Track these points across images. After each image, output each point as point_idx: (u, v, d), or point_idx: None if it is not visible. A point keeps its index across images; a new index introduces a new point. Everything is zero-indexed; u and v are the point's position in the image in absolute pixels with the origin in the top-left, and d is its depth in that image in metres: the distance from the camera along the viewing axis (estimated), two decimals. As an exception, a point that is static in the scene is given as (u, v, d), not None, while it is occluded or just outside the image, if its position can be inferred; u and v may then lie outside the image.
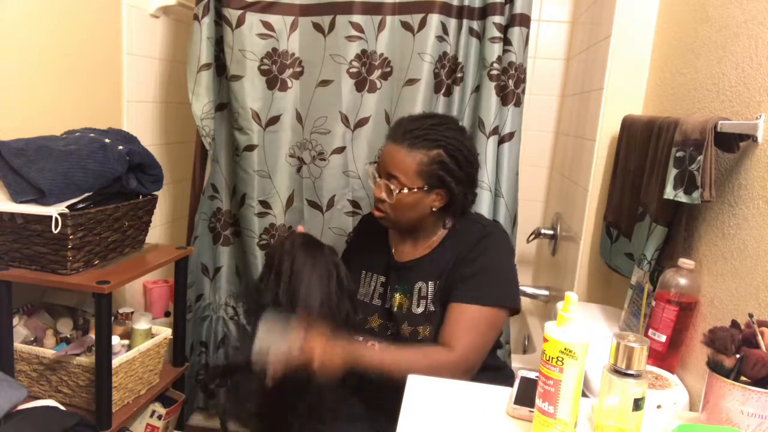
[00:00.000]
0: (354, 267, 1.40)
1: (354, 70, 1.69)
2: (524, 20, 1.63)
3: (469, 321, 1.20)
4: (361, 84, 1.70)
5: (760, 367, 0.79)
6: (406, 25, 1.65)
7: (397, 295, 1.33)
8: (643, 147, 1.37)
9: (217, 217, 1.89)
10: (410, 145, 1.22)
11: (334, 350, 1.13)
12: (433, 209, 1.28)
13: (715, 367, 0.84)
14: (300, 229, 1.39)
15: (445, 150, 1.22)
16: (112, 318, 1.40)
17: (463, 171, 1.25)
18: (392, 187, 1.23)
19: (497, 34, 1.62)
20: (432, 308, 1.28)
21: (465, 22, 1.65)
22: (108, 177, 1.36)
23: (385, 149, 1.27)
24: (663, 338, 1.15)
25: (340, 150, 1.73)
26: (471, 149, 1.29)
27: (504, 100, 1.66)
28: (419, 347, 1.22)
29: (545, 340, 0.80)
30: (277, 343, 1.11)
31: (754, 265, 0.99)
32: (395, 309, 1.33)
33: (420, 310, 1.29)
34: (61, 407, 1.19)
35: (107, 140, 1.37)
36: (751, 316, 0.85)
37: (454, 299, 1.23)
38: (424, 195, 1.25)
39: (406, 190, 1.23)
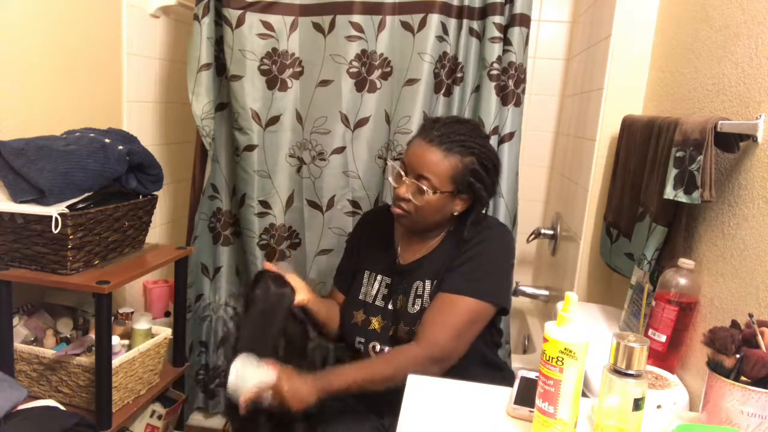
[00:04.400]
0: (357, 267, 1.41)
1: (354, 70, 1.69)
2: (524, 20, 1.63)
3: (446, 310, 1.21)
4: (361, 84, 1.70)
5: (760, 367, 0.79)
6: (406, 25, 1.65)
7: (400, 297, 1.33)
8: (643, 147, 1.37)
9: (217, 217, 1.89)
10: (447, 149, 1.21)
11: (302, 386, 1.15)
12: (454, 213, 1.29)
13: (715, 367, 0.84)
14: (267, 266, 1.37)
15: (478, 158, 1.23)
16: (112, 318, 1.40)
17: (491, 179, 1.27)
18: (424, 187, 1.22)
19: (497, 34, 1.62)
20: (427, 307, 1.28)
21: (465, 22, 1.65)
22: (108, 177, 1.36)
23: (416, 148, 1.24)
24: (663, 338, 1.15)
25: (340, 150, 1.73)
26: (497, 160, 1.29)
27: (504, 100, 1.66)
28: (386, 354, 1.26)
29: (545, 340, 0.80)
30: (247, 381, 1.13)
31: (754, 265, 0.99)
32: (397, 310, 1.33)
33: (416, 309, 1.29)
34: (61, 407, 1.19)
35: (107, 140, 1.37)
36: (751, 316, 0.85)
37: (440, 289, 1.24)
38: (451, 199, 1.25)
39: (437, 193, 1.23)
